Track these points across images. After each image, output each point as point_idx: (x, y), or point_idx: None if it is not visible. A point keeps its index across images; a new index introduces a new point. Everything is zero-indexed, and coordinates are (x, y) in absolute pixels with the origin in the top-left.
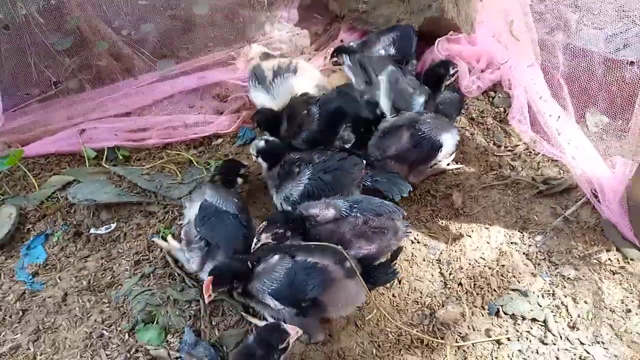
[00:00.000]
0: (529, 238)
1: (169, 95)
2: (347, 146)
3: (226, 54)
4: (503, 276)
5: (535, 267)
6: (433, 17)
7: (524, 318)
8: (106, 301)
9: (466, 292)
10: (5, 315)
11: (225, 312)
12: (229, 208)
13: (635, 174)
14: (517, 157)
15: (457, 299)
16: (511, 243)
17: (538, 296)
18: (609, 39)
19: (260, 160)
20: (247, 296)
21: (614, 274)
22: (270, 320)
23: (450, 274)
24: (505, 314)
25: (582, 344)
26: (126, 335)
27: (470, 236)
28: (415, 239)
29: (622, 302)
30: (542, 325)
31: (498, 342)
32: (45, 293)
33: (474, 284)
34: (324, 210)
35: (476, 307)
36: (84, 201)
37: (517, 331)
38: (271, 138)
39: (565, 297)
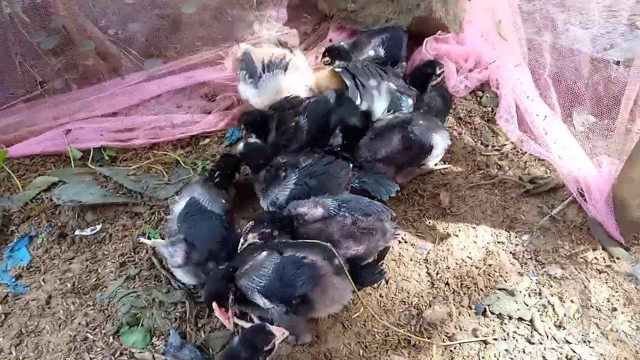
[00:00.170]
0: (515, 237)
1: (156, 95)
2: (336, 149)
3: (214, 54)
4: (490, 276)
5: (522, 266)
6: (421, 16)
7: (510, 317)
8: (91, 304)
9: (453, 292)
10: None
11: (211, 314)
12: (214, 208)
13: (621, 173)
14: (504, 157)
15: (444, 298)
16: (498, 242)
17: (525, 295)
18: (595, 39)
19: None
20: (242, 303)
21: (600, 273)
22: (258, 321)
23: (437, 273)
24: (492, 313)
25: (568, 343)
26: (111, 338)
27: (457, 236)
28: (402, 238)
29: (608, 301)
30: (528, 325)
31: (485, 342)
32: (28, 296)
33: (461, 284)
34: (312, 209)
35: (463, 306)
36: (68, 202)
37: (504, 331)
38: (254, 140)
39: (552, 296)
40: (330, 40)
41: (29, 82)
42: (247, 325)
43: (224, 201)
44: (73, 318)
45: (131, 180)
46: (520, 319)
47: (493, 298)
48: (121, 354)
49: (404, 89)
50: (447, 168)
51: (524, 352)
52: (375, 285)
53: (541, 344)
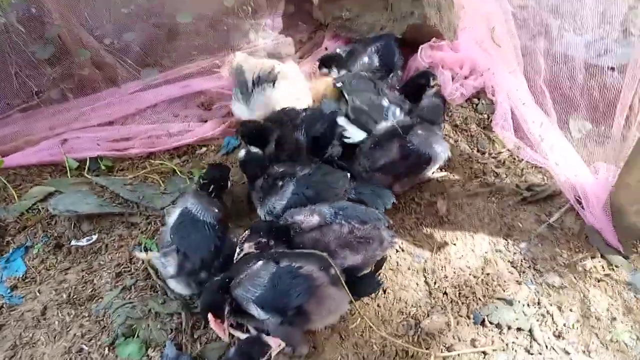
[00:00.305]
0: (513, 245)
1: (152, 105)
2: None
3: (210, 62)
4: (488, 285)
5: (520, 275)
6: (416, 24)
7: (509, 327)
8: (86, 315)
9: (451, 302)
10: None
11: (207, 325)
12: (206, 217)
13: (618, 179)
14: (501, 164)
15: (442, 308)
16: (496, 251)
17: (523, 305)
18: (589, 45)
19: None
20: (237, 314)
21: (599, 282)
22: (254, 332)
23: (435, 283)
24: (491, 323)
25: (567, 353)
26: (106, 349)
27: (455, 244)
28: (400, 247)
29: (608, 310)
30: (527, 335)
31: (484, 352)
32: (24, 307)
33: (459, 293)
34: (308, 217)
35: (461, 316)
36: (64, 212)
37: (503, 341)
38: (255, 150)
39: (551, 305)
40: (326, 49)
41: (25, 92)
42: (243, 336)
43: (216, 210)
44: (68, 329)
45: (127, 189)
46: (519, 329)
47: (491, 307)
48: None
49: (397, 100)
50: (444, 176)
51: None
52: (373, 295)
53: (540, 354)
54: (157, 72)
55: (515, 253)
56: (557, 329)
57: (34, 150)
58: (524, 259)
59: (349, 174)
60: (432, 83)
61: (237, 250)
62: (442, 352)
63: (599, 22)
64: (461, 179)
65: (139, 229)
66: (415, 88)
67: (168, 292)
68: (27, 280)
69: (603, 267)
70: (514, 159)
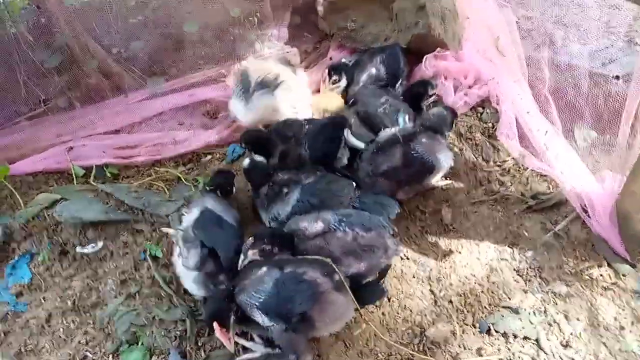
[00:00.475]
0: (519, 254)
1: (158, 113)
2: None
3: (216, 72)
4: (494, 293)
5: (526, 283)
6: (420, 34)
7: (515, 336)
8: (91, 322)
9: (457, 310)
10: None
11: (212, 333)
12: (228, 218)
13: (624, 187)
14: (506, 172)
15: (447, 316)
16: (501, 259)
17: (530, 313)
18: (594, 54)
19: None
20: (242, 322)
21: (606, 290)
22: (258, 340)
23: (440, 291)
24: (497, 332)
25: None
26: (110, 357)
27: (460, 252)
28: (405, 255)
29: (616, 320)
30: (534, 344)
31: None
32: (28, 314)
33: (465, 302)
34: (312, 223)
35: (467, 325)
36: (70, 219)
37: (509, 350)
38: (260, 159)
39: (558, 314)
40: (331, 58)
41: (33, 100)
42: (248, 344)
43: (236, 213)
44: (73, 336)
45: (132, 197)
46: (525, 338)
47: (497, 316)
48: None
49: (403, 108)
50: (448, 184)
51: None
52: (378, 303)
53: None
54: (164, 81)
55: (521, 261)
56: (564, 338)
57: (40, 157)
58: (530, 267)
59: (354, 183)
60: (430, 92)
61: (241, 257)
62: None
63: (603, 32)
64: (466, 187)
65: (144, 236)
66: (413, 96)
67: (173, 298)
68: (32, 287)
69: (610, 276)
70: (519, 167)
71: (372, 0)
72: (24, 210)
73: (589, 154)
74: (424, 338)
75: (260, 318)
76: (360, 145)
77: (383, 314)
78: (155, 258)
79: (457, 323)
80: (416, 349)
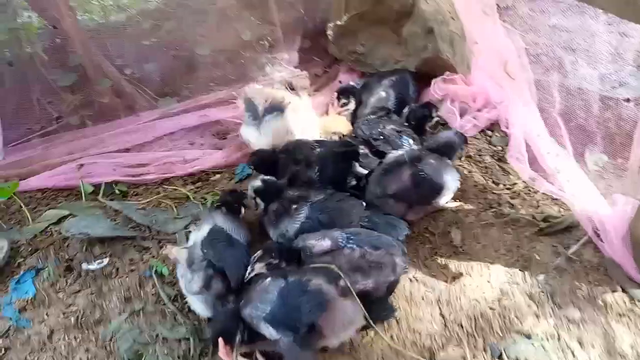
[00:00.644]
0: (531, 277)
1: (169, 132)
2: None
3: (227, 94)
4: (505, 317)
5: (538, 308)
6: (429, 57)
7: None
8: (93, 339)
9: (467, 334)
10: None
11: (215, 351)
12: (238, 237)
13: (638, 211)
14: (516, 195)
15: (457, 340)
16: (513, 282)
17: (542, 339)
18: (604, 78)
19: (258, 200)
20: (249, 343)
21: (621, 316)
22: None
23: (450, 314)
24: (508, 357)
25: None
26: None
27: (470, 275)
28: (413, 277)
29: (632, 348)
30: None
31: None
32: (31, 330)
33: (475, 325)
34: (320, 241)
35: (478, 349)
36: (77, 234)
37: None
38: (269, 178)
39: (571, 340)
40: (340, 82)
41: (45, 118)
42: None
43: (246, 231)
44: (74, 354)
45: (140, 214)
46: None
47: (509, 341)
48: None
49: (407, 132)
50: (458, 206)
51: None
52: (386, 325)
53: None
54: (175, 101)
55: (532, 285)
56: None
57: (51, 174)
58: (542, 291)
59: (364, 203)
60: (434, 115)
61: (249, 269)
62: None
63: (612, 56)
64: (476, 209)
65: (151, 253)
66: (417, 119)
67: (178, 316)
68: (36, 303)
69: (625, 302)
70: (529, 190)
71: (381, 24)
72: (32, 225)
73: (600, 179)
74: None
75: (267, 331)
76: (365, 172)
77: (391, 336)
78: (160, 275)
79: (468, 347)
80: None
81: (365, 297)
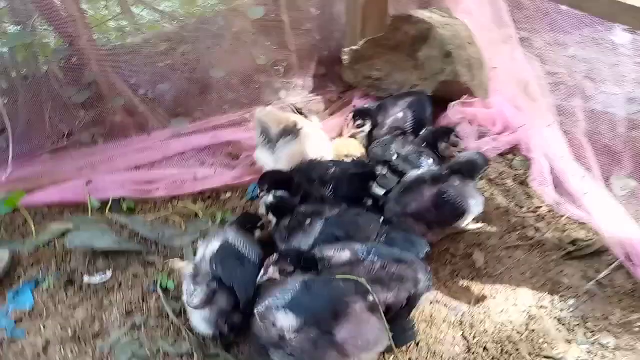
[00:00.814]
0: (560, 302)
1: (180, 152)
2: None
3: (240, 117)
4: (534, 342)
5: (569, 333)
6: (447, 81)
7: None
8: (90, 352)
9: (492, 358)
10: None
11: None
12: (251, 255)
13: None
14: (541, 219)
15: None
16: (541, 307)
17: None
18: (628, 102)
19: (270, 216)
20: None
21: None
22: None
23: (474, 337)
24: None
25: None
26: None
27: (494, 298)
28: (435, 299)
29: None
30: None
31: None
32: (25, 341)
33: (502, 350)
34: (338, 252)
35: None
36: (81, 246)
37: None
38: (281, 194)
39: None
40: (354, 106)
41: (56, 134)
42: None
43: (259, 250)
44: None
45: (147, 229)
46: None
47: None
48: None
49: (426, 152)
50: (480, 228)
51: None
52: (405, 348)
53: None
54: (188, 122)
55: (562, 310)
56: None
57: (58, 189)
58: (573, 316)
59: (382, 217)
60: (453, 139)
61: (262, 272)
62: None
63: (633, 86)
64: (499, 231)
65: (156, 268)
66: (435, 142)
67: (181, 330)
68: (33, 314)
69: None
70: (554, 214)
71: (396, 49)
72: (35, 238)
73: (628, 203)
74: None
75: (287, 321)
76: (382, 192)
77: (410, 359)
78: (165, 289)
79: None
80: None
81: (385, 315)
